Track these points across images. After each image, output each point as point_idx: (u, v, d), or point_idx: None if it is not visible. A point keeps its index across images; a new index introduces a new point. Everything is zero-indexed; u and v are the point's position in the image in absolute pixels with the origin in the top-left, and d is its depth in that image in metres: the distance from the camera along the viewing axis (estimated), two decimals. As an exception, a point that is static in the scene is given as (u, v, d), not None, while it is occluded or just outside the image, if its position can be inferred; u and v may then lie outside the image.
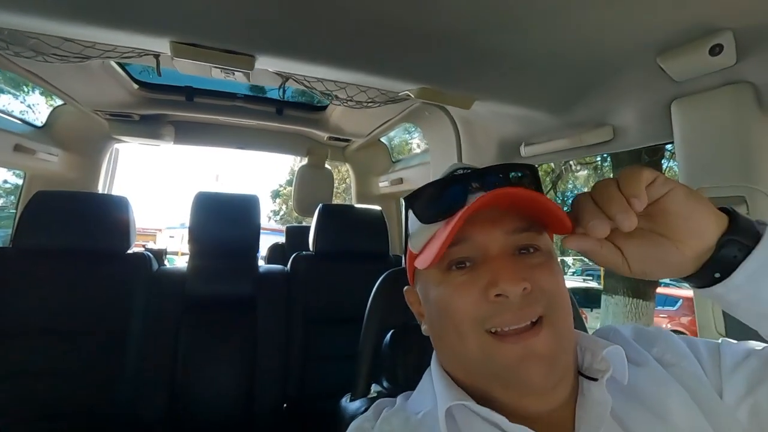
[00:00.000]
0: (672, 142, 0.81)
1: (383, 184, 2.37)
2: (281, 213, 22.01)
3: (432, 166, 1.77)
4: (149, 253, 1.51)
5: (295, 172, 2.52)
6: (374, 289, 0.91)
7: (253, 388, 1.42)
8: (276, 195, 24.36)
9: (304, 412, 1.47)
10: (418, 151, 2.72)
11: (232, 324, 1.48)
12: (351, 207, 1.83)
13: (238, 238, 1.53)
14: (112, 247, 1.42)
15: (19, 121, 1.74)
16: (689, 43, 0.68)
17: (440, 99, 0.99)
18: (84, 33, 0.77)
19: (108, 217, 1.43)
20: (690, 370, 0.48)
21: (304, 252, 1.69)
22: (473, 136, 1.43)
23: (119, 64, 1.45)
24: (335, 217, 1.69)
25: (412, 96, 0.98)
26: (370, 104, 1.18)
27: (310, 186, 2.47)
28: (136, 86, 1.64)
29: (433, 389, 0.51)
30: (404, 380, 0.73)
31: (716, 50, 0.66)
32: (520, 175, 0.48)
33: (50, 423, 1.23)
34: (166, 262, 1.73)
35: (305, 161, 2.49)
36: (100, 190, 2.19)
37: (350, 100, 1.15)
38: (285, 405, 1.48)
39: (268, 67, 0.91)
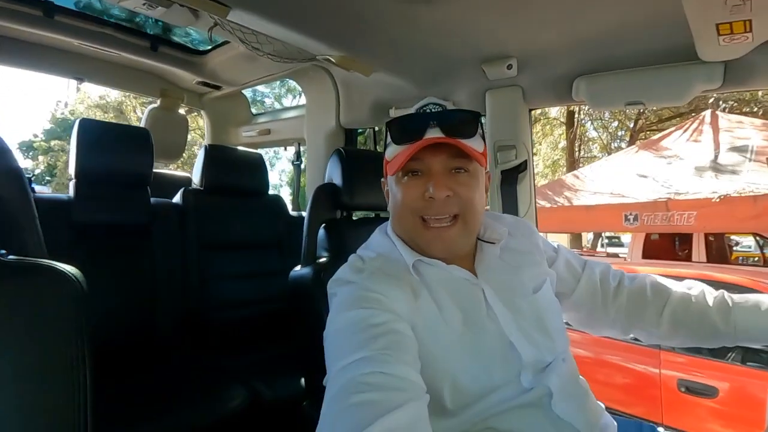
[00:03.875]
0: (484, 114, 1.44)
1: (248, 134, 2.53)
2: (37, 172, 17.14)
3: (307, 120, 2.10)
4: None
5: (145, 114, 2.42)
6: (311, 200, 1.23)
7: (155, 307, 1.54)
8: (29, 148, 18.83)
9: (204, 321, 1.67)
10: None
11: (128, 250, 1.53)
12: (235, 149, 2.01)
13: (131, 169, 1.56)
14: None
15: None
16: (497, 59, 1.28)
17: (350, 65, 1.38)
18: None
19: None
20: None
21: (191, 187, 1.82)
22: (351, 96, 1.85)
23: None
24: (221, 156, 1.88)
25: (333, 61, 1.34)
26: (286, 60, 1.45)
27: (162, 130, 2.41)
28: (-20, -12, 1.40)
29: (393, 245, 0.77)
30: (336, 251, 1.13)
31: (510, 66, 1.28)
32: (465, 120, 0.71)
33: None
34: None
35: (157, 104, 2.41)
36: None
37: (272, 54, 1.40)
38: (184, 317, 1.63)
39: (237, 19, 1.11)
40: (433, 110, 0.72)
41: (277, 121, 2.42)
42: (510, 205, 1.38)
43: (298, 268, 1.14)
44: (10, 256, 0.62)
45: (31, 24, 1.59)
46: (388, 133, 0.75)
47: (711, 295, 0.84)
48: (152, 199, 1.68)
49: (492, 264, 0.77)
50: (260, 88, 9.09)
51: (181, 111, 2.57)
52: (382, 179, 0.82)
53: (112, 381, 1.27)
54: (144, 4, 1.23)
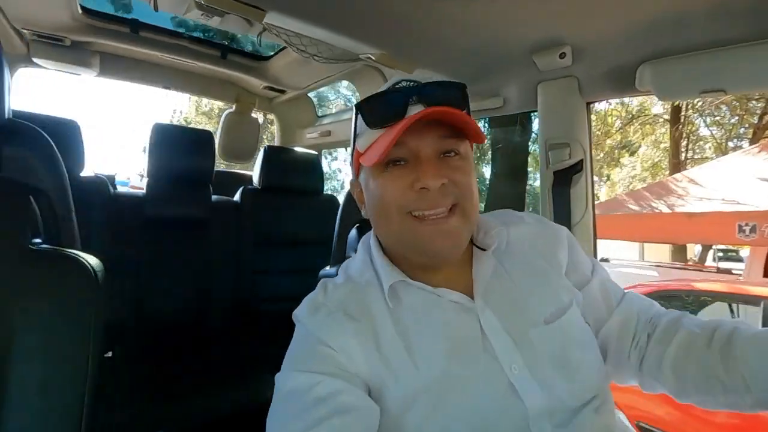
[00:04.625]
0: (536, 110, 1.31)
1: (311, 135, 2.63)
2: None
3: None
4: (103, 177, 1.60)
5: (222, 118, 2.63)
6: (344, 200, 1.25)
7: (208, 295, 1.66)
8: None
9: (252, 312, 1.77)
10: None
11: (187, 242, 1.68)
12: (292, 150, 2.09)
13: (195, 168, 1.70)
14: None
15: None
16: (548, 48, 1.16)
17: (393, 64, 1.35)
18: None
19: (61, 139, 1.48)
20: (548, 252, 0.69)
21: (249, 186, 1.94)
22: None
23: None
24: (278, 156, 1.97)
25: (374, 59, 1.32)
26: (332, 61, 1.47)
27: (236, 133, 2.61)
28: (80, 11, 1.63)
29: (371, 262, 0.66)
30: None
31: (563, 55, 1.15)
32: (451, 92, 0.59)
33: None
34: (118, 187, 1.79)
35: (233, 108, 2.61)
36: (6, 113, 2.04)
37: (318, 56, 1.42)
38: (234, 307, 1.75)
39: (274, 22, 1.15)
40: (408, 86, 0.60)
41: (337, 122, 2.48)
42: (562, 209, 1.24)
43: (327, 267, 1.14)
44: (44, 245, 0.70)
45: (122, 40, 1.81)
46: (359, 117, 0.62)
47: (721, 332, 0.61)
48: (213, 197, 1.82)
49: (493, 280, 0.63)
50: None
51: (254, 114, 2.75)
52: (351, 181, 0.70)
53: (159, 358, 1.40)
54: (202, 15, 1.33)
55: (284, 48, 1.88)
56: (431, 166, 0.56)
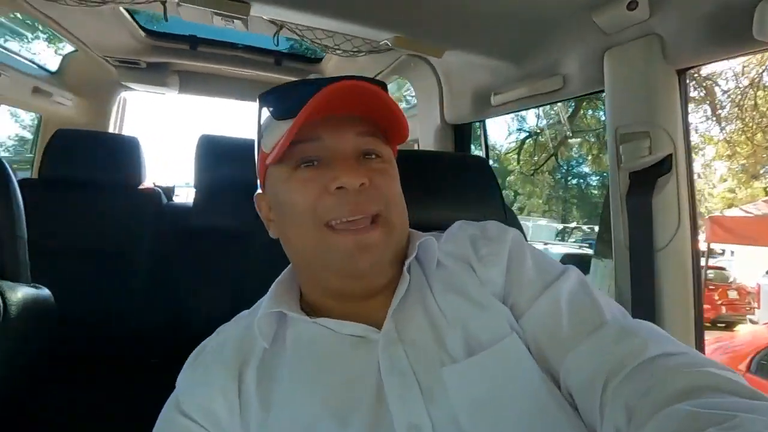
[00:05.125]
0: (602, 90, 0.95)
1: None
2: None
3: (419, 117, 1.90)
4: (159, 189, 1.69)
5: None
6: None
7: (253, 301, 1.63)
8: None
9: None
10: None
11: (232, 253, 1.68)
12: None
13: (239, 178, 1.69)
14: (125, 181, 1.59)
15: (36, 66, 1.87)
16: (612, 0, 0.81)
17: (415, 47, 1.12)
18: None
19: (121, 154, 1.59)
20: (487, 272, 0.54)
21: None
22: (452, 86, 1.56)
23: (128, 11, 1.56)
24: None
25: (390, 44, 1.11)
26: (355, 52, 1.30)
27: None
28: (143, 34, 1.75)
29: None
30: None
31: (633, 6, 0.79)
32: (369, 81, 0.50)
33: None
34: (175, 198, 1.90)
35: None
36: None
37: (337, 49, 1.28)
38: None
39: (262, 14, 1.03)
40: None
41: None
42: (640, 228, 0.87)
43: None
44: None
45: (184, 57, 1.91)
46: (263, 111, 0.54)
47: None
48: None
49: (413, 306, 0.52)
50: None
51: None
52: (256, 194, 0.60)
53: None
54: (224, 20, 1.29)
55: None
56: (350, 163, 0.48)
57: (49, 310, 0.77)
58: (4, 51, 1.60)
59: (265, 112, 0.53)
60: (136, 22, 1.69)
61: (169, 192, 1.86)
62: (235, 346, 0.52)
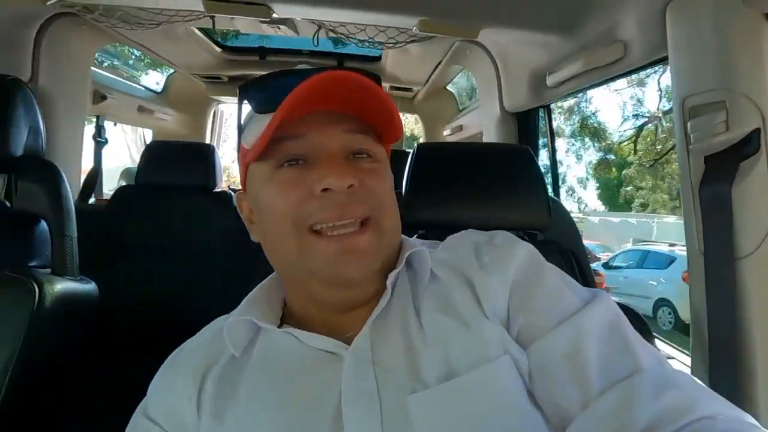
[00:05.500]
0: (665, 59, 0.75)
1: (446, 133, 2.40)
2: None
3: (481, 107, 1.76)
4: (232, 191, 1.84)
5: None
6: None
7: None
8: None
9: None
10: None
11: None
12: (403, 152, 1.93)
13: None
14: (202, 184, 1.76)
15: (142, 88, 2.19)
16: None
17: (444, 30, 1.03)
18: (141, 1, 0.99)
19: (198, 161, 1.76)
20: (490, 284, 0.47)
21: None
22: (508, 70, 1.40)
23: (202, 30, 1.73)
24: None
25: (417, 31, 1.03)
26: (391, 43, 1.25)
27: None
28: (219, 50, 1.93)
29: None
30: None
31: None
32: (360, 72, 0.46)
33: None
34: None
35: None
36: (213, 144, 2.63)
37: (372, 41, 1.23)
38: None
39: (284, 14, 1.04)
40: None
41: (468, 114, 2.16)
42: (718, 226, 0.66)
43: None
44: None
45: (256, 68, 2.04)
46: (244, 104, 0.50)
47: None
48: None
49: (392, 322, 0.46)
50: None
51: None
52: (237, 193, 0.54)
53: None
54: (272, 27, 1.35)
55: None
56: (337, 161, 0.43)
57: (89, 300, 0.86)
58: (112, 77, 1.89)
59: (246, 107, 0.50)
60: (212, 40, 1.86)
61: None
62: (204, 350, 0.51)
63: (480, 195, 0.87)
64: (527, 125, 1.52)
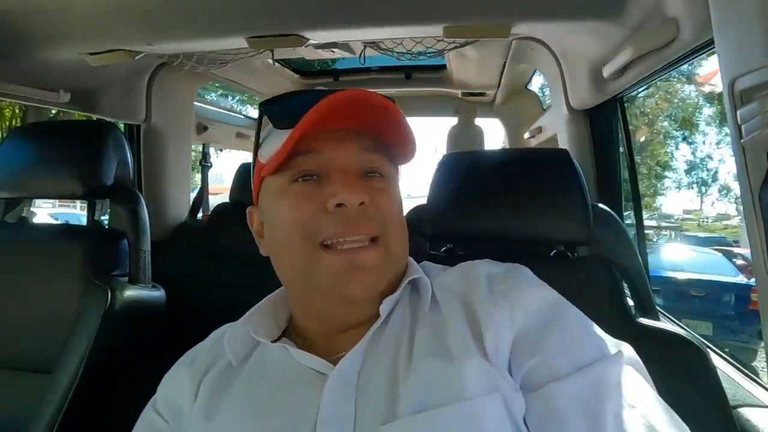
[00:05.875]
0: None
1: (526, 136, 2.23)
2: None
3: (552, 104, 1.61)
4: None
5: (447, 133, 2.64)
6: None
7: None
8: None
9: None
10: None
11: None
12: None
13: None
14: None
15: (241, 116, 2.51)
16: None
17: (472, 33, 0.98)
18: (206, 45, 1.14)
19: None
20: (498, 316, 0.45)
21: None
22: (568, 64, 1.27)
23: (278, 60, 1.91)
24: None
25: (448, 42, 1.00)
26: (432, 52, 1.23)
27: (461, 145, 2.54)
28: (296, 75, 2.11)
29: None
30: None
31: None
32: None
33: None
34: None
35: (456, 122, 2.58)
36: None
37: (392, 52, 1.23)
38: None
39: (317, 39, 1.10)
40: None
41: (545, 115, 1.99)
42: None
43: None
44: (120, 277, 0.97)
45: (331, 88, 2.18)
46: (264, 119, 0.52)
47: None
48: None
49: (384, 346, 0.46)
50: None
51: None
52: (249, 207, 0.57)
53: None
54: (327, 51, 1.45)
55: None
56: (350, 178, 0.45)
57: (157, 304, 1.02)
58: (213, 109, 2.20)
59: (266, 121, 0.52)
60: (288, 67, 2.04)
61: None
62: (207, 354, 0.55)
63: (510, 205, 0.81)
64: (600, 123, 1.34)
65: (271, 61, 1.86)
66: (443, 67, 1.97)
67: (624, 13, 0.84)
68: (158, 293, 1.04)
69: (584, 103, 1.28)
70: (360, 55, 1.37)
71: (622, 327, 0.75)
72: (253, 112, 2.75)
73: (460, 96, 2.24)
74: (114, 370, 0.90)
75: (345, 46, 1.39)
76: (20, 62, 1.15)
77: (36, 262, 0.96)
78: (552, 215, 0.78)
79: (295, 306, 0.54)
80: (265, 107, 0.51)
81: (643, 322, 0.77)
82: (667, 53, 0.78)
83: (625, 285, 0.83)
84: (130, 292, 0.94)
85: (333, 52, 1.46)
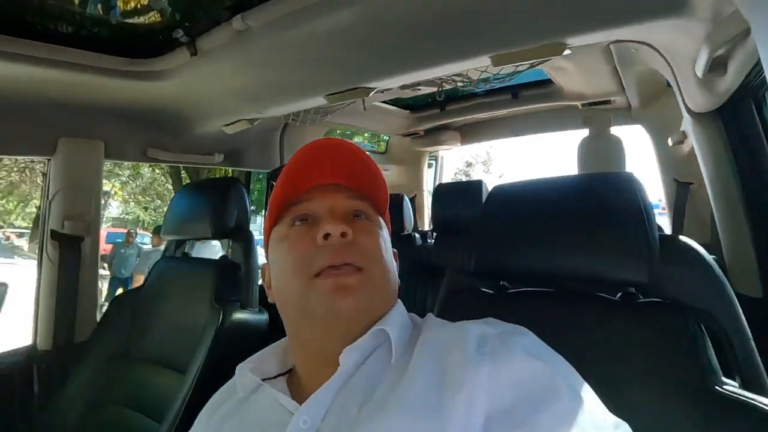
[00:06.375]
0: None
1: (670, 142, 1.84)
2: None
3: (682, 107, 1.33)
4: (416, 234, 2.06)
5: (577, 148, 2.39)
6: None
7: None
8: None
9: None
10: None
11: None
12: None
13: (471, 219, 1.81)
14: (393, 229, 2.06)
15: (371, 152, 2.77)
16: None
17: (523, 56, 0.92)
18: (297, 106, 1.37)
19: (393, 208, 2.08)
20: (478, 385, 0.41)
21: None
22: (677, 64, 1.05)
23: (386, 102, 2.08)
24: None
25: (492, 64, 0.97)
26: (502, 76, 1.18)
27: (595, 160, 2.27)
28: (407, 111, 2.24)
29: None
30: None
31: None
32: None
33: None
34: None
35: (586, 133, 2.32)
36: (424, 189, 2.99)
37: (463, 80, 1.21)
38: None
39: (383, 86, 1.19)
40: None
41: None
42: None
43: None
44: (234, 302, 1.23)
45: (438, 119, 2.25)
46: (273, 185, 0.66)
47: None
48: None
49: (352, 391, 0.46)
50: None
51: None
52: (262, 265, 0.63)
53: None
54: (413, 90, 1.54)
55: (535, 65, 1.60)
56: (336, 215, 0.52)
57: (259, 326, 1.23)
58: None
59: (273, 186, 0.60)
60: (398, 105, 2.19)
61: (425, 235, 2.20)
62: (228, 386, 0.61)
63: (558, 239, 0.74)
64: (735, 127, 1.06)
65: (377, 103, 2.06)
66: (549, 81, 1.83)
67: (691, 7, 0.69)
68: (262, 317, 1.25)
69: (701, 105, 1.04)
70: (438, 90, 1.41)
71: (695, 393, 0.60)
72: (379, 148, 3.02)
73: (580, 107, 2.02)
74: (221, 377, 1.12)
75: (427, 81, 1.44)
76: (185, 137, 1.57)
77: (187, 286, 1.29)
78: (604, 250, 0.67)
79: (290, 342, 0.57)
80: (277, 176, 0.57)
81: (730, 391, 0.59)
82: (747, 45, 0.61)
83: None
84: (239, 315, 1.17)
85: (419, 89, 1.54)
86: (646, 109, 2.02)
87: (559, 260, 0.71)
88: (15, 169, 9.96)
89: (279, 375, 0.57)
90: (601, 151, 2.15)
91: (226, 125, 1.47)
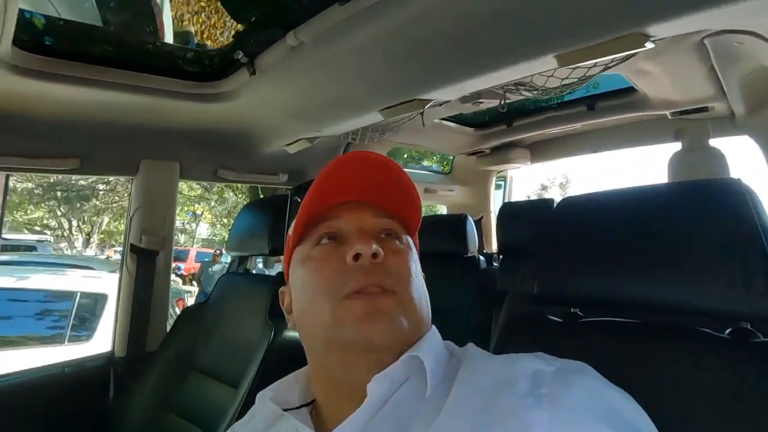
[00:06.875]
0: None
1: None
2: None
3: None
4: (480, 256, 1.94)
5: (668, 164, 2.12)
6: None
7: None
8: None
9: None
10: None
11: None
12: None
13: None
14: (456, 251, 1.94)
15: (430, 173, 2.71)
16: None
17: (593, 54, 0.82)
18: (353, 124, 1.36)
19: (454, 229, 1.98)
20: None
21: None
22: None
23: (447, 119, 2.02)
24: None
25: (557, 64, 0.87)
26: (575, 81, 1.07)
27: (695, 175, 2.00)
28: (471, 129, 2.16)
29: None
30: None
31: None
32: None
33: None
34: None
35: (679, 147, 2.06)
36: (492, 210, 2.84)
37: (534, 89, 1.10)
38: None
39: (440, 98, 1.14)
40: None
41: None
42: None
43: None
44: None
45: (505, 135, 2.13)
46: (296, 200, 0.65)
47: None
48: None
49: (384, 425, 0.42)
50: None
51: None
52: (281, 288, 0.59)
53: None
54: (474, 104, 1.48)
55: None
56: (366, 234, 0.49)
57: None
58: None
59: (297, 199, 0.66)
60: (461, 123, 2.12)
61: (490, 257, 2.05)
62: (252, 412, 0.57)
63: (646, 260, 0.61)
64: None
65: (438, 121, 2.00)
66: (632, 89, 1.65)
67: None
68: None
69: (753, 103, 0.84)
70: (501, 102, 1.32)
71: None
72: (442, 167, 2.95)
73: (670, 117, 1.79)
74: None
75: (489, 92, 1.37)
76: (252, 157, 1.64)
77: (244, 301, 1.31)
78: (708, 273, 0.54)
79: (313, 370, 0.53)
80: (303, 192, 0.54)
81: None
82: None
83: None
84: (290, 333, 1.15)
85: (481, 102, 1.46)
86: (755, 116, 1.73)
87: (646, 286, 0.58)
88: (126, 194, 11.39)
89: (302, 406, 0.52)
90: (699, 166, 1.90)
91: (288, 144, 1.51)
